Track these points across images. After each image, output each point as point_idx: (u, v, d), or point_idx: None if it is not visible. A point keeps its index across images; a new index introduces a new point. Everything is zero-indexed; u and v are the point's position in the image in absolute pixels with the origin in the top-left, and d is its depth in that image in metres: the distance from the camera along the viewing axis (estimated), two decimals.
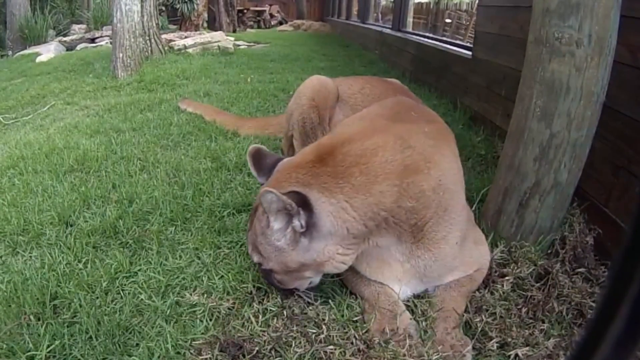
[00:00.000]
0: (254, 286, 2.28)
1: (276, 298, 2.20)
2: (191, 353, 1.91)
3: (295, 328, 2.01)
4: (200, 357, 1.88)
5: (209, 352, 1.89)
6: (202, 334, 2.00)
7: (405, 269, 2.13)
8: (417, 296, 2.24)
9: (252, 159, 2.28)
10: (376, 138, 2.06)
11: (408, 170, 2.00)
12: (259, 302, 2.20)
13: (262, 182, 2.23)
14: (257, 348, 1.90)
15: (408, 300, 2.21)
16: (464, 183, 2.36)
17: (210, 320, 2.09)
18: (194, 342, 1.96)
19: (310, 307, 2.14)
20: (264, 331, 2.00)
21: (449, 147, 2.29)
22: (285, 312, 2.11)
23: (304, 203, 1.88)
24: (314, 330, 1.98)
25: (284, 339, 1.94)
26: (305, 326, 2.02)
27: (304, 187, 1.92)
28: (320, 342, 1.92)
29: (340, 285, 2.32)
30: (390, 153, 2.01)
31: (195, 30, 14.44)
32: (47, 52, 11.91)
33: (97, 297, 2.25)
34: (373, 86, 3.25)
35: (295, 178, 1.96)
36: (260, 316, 2.11)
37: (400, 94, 3.09)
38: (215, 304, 2.19)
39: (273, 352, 1.91)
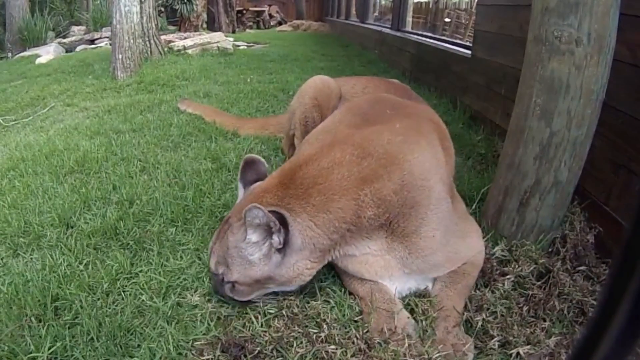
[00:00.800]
0: None
1: (277, 299, 2.20)
2: (193, 354, 1.91)
3: (296, 328, 2.01)
4: (202, 358, 1.88)
5: (211, 352, 1.90)
6: (204, 334, 2.01)
7: (386, 261, 2.17)
8: (417, 295, 2.24)
9: (243, 168, 2.38)
10: (333, 154, 2.14)
11: (366, 181, 2.07)
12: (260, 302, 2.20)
13: (239, 192, 2.38)
14: (258, 348, 1.91)
15: (408, 300, 2.21)
16: (445, 173, 2.37)
17: (212, 321, 2.09)
18: (195, 343, 1.96)
19: (311, 307, 2.14)
20: (265, 331, 2.00)
21: (425, 141, 2.34)
22: (286, 313, 2.11)
23: (282, 221, 1.98)
24: (315, 330, 1.99)
25: (285, 339, 1.94)
26: (306, 326, 2.03)
27: (276, 209, 2.00)
28: (322, 341, 1.93)
29: (341, 285, 2.33)
30: (347, 168, 2.09)
31: (195, 31, 14.43)
32: (47, 53, 11.90)
33: (98, 299, 2.25)
34: (375, 86, 3.26)
35: (266, 201, 2.05)
36: (261, 317, 2.11)
37: (401, 94, 3.10)
38: (216, 304, 2.19)
39: (274, 352, 1.91)
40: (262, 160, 2.39)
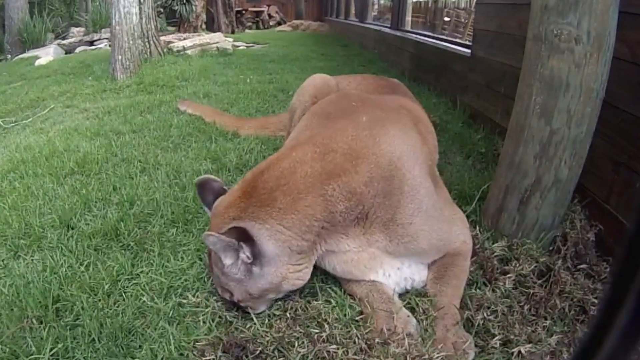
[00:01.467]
0: None
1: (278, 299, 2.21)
2: (194, 354, 1.91)
3: (297, 328, 2.01)
4: (204, 358, 1.88)
5: (212, 353, 1.89)
6: (205, 335, 2.00)
7: (370, 253, 2.18)
8: (417, 294, 2.24)
9: (199, 193, 2.38)
10: (294, 154, 2.14)
11: (331, 176, 2.06)
12: None
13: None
14: (260, 348, 1.91)
15: (408, 299, 2.21)
16: (422, 157, 2.38)
17: (213, 321, 2.09)
18: (197, 344, 1.96)
19: (312, 307, 2.14)
20: (266, 332, 2.00)
21: (395, 128, 2.34)
22: (287, 313, 2.11)
23: (245, 235, 1.98)
24: (317, 330, 1.98)
25: (286, 339, 1.94)
26: (307, 326, 2.03)
27: (238, 222, 2.00)
28: (323, 341, 1.92)
29: (341, 285, 2.32)
30: (309, 165, 2.08)
31: (194, 32, 14.44)
32: (46, 55, 11.91)
33: (99, 300, 2.25)
34: (368, 83, 3.30)
35: (228, 216, 2.05)
36: (263, 317, 2.11)
37: (387, 89, 3.12)
38: (218, 305, 2.19)
39: (276, 352, 1.91)
40: (213, 177, 2.38)
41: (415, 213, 2.13)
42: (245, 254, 2.00)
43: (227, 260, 2.02)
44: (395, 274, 2.22)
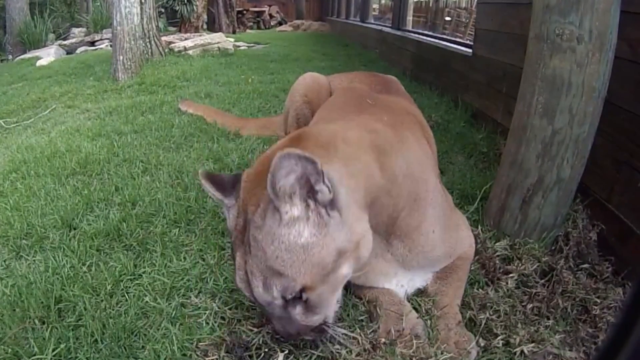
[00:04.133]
0: None
1: None
2: (197, 355, 1.90)
3: None
4: (207, 359, 1.88)
5: (215, 353, 1.89)
6: (208, 335, 2.00)
7: (387, 259, 2.09)
8: (419, 294, 2.23)
9: (209, 180, 1.84)
10: (340, 123, 2.00)
11: (379, 150, 1.87)
12: None
13: (228, 203, 1.81)
14: (263, 348, 1.90)
15: (411, 300, 2.20)
16: (433, 169, 2.32)
17: (216, 321, 2.09)
18: (200, 344, 1.95)
19: None
20: (269, 332, 1.99)
21: (410, 134, 2.24)
22: None
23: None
24: None
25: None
26: None
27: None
28: (326, 341, 1.92)
29: (345, 286, 2.31)
30: (358, 132, 1.90)
31: (195, 32, 14.44)
32: (47, 56, 11.92)
33: (102, 300, 2.25)
34: (360, 80, 3.27)
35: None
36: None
37: (380, 86, 3.11)
38: (221, 305, 2.18)
39: (279, 352, 1.91)
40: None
41: (436, 222, 2.10)
42: (327, 186, 1.55)
43: (296, 211, 1.57)
44: (408, 284, 2.19)
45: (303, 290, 1.60)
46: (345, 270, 1.69)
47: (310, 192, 1.57)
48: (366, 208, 1.77)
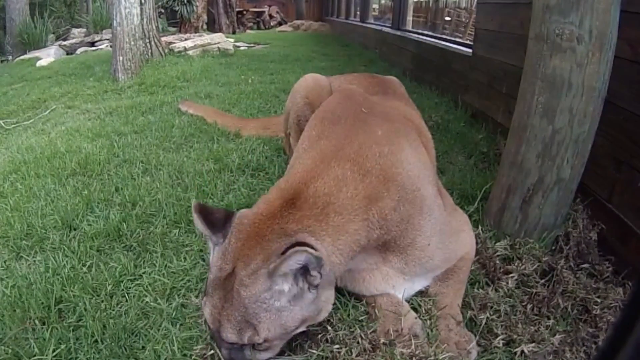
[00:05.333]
0: None
1: None
2: (197, 355, 1.90)
3: None
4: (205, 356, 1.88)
5: (215, 354, 1.89)
6: (209, 335, 2.00)
7: (384, 273, 2.09)
8: (419, 294, 2.23)
9: (200, 215, 1.83)
10: (334, 170, 1.94)
11: (371, 200, 1.92)
12: None
13: (216, 241, 1.83)
14: None
15: (411, 300, 2.20)
16: (430, 178, 2.27)
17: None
18: (200, 344, 1.95)
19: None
20: None
21: (407, 143, 2.23)
22: None
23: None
24: (320, 330, 1.98)
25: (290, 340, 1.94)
26: (311, 326, 2.02)
27: (299, 237, 1.71)
28: (326, 341, 1.92)
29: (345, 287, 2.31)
30: (353, 186, 1.91)
31: (195, 32, 14.42)
32: (47, 56, 11.94)
33: (102, 301, 2.25)
34: (359, 82, 3.26)
35: (279, 229, 1.74)
36: None
37: (386, 88, 3.10)
38: None
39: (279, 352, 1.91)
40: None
41: (432, 234, 2.09)
42: (320, 272, 1.69)
43: (286, 285, 1.71)
44: (407, 291, 2.18)
45: (265, 339, 1.72)
46: (301, 329, 1.84)
47: (303, 275, 1.72)
48: (347, 264, 1.90)
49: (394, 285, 2.12)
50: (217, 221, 1.84)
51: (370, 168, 1.98)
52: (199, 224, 1.84)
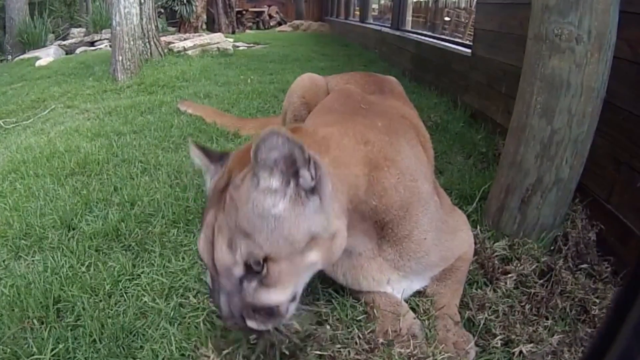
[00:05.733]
0: None
1: None
2: (196, 354, 1.90)
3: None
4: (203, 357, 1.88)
5: (214, 354, 1.89)
6: (206, 336, 1.99)
7: (379, 263, 2.06)
8: (417, 294, 2.23)
9: (198, 148, 1.86)
10: (335, 128, 1.93)
11: (372, 165, 1.88)
12: None
13: (213, 171, 1.82)
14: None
15: (409, 301, 2.20)
16: (427, 176, 2.25)
17: (213, 324, 2.06)
18: (198, 344, 1.95)
19: (314, 308, 2.12)
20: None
21: (405, 141, 2.20)
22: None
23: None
24: (318, 330, 1.97)
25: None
26: (309, 325, 2.02)
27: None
28: (324, 341, 1.92)
29: (343, 287, 2.31)
30: (353, 143, 1.89)
31: (195, 32, 14.43)
32: (47, 56, 11.92)
33: (101, 300, 2.25)
34: (356, 81, 3.26)
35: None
36: None
37: (383, 87, 3.09)
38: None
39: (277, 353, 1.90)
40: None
41: (429, 229, 2.07)
42: (310, 172, 1.57)
43: (274, 182, 1.55)
44: (405, 291, 2.16)
45: (266, 260, 1.57)
46: (314, 258, 1.65)
47: (293, 174, 1.57)
48: (346, 212, 1.78)
49: (389, 278, 2.10)
50: (214, 155, 1.84)
51: (373, 141, 1.96)
52: (196, 155, 1.84)
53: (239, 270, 1.58)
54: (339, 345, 1.88)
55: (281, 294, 1.63)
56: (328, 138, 1.82)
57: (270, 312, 1.63)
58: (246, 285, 1.59)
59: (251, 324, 1.61)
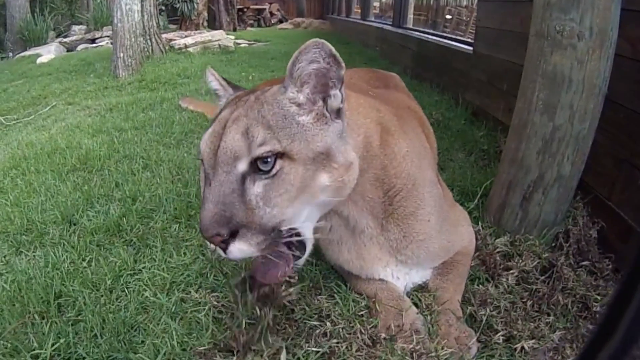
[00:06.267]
0: None
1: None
2: (197, 350, 1.90)
3: (300, 323, 2.00)
4: (206, 355, 1.87)
5: (214, 349, 1.89)
6: (207, 331, 1.99)
7: (380, 243, 2.05)
8: (419, 289, 2.23)
9: (215, 72, 1.94)
10: (352, 94, 1.92)
11: (383, 127, 1.92)
12: None
13: (231, 94, 1.87)
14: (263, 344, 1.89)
15: (412, 295, 2.20)
16: (431, 164, 2.30)
17: (216, 318, 2.07)
18: (200, 340, 1.95)
19: (315, 303, 2.12)
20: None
21: (410, 127, 2.24)
22: (289, 308, 2.09)
23: None
24: (319, 325, 1.97)
25: (289, 335, 1.93)
26: (310, 317, 2.02)
27: None
28: (326, 336, 1.92)
29: (345, 280, 2.31)
30: (368, 107, 1.94)
31: (196, 30, 14.43)
32: (48, 53, 11.93)
33: (102, 295, 2.26)
34: (360, 76, 3.26)
35: None
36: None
37: (386, 83, 3.09)
38: (220, 301, 2.17)
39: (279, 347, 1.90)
40: None
41: (432, 211, 2.09)
42: (342, 92, 1.63)
43: (300, 96, 1.60)
44: (404, 277, 2.18)
45: (280, 156, 1.52)
46: (325, 179, 1.61)
47: (323, 93, 1.60)
48: (362, 156, 1.78)
49: (388, 262, 2.11)
50: (231, 83, 1.91)
51: (384, 113, 2.00)
52: (214, 78, 1.90)
53: (243, 165, 1.52)
54: (335, 340, 1.88)
55: (285, 208, 1.55)
56: (347, 95, 1.76)
57: (264, 229, 1.53)
58: (248, 185, 1.52)
59: (240, 245, 1.50)
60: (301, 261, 1.68)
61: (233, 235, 1.48)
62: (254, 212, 1.50)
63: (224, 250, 1.51)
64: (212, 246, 1.52)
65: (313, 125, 1.59)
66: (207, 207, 1.48)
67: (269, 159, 1.51)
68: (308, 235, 1.68)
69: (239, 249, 1.50)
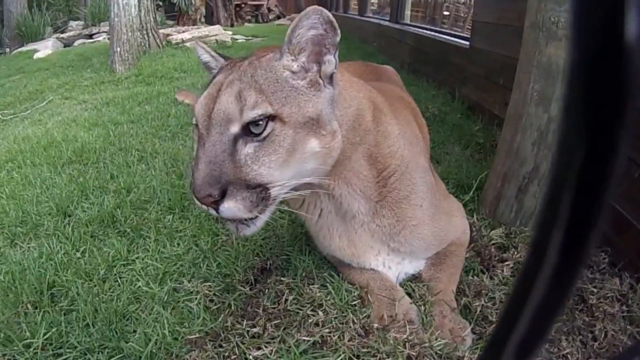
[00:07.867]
0: (253, 273, 2.27)
1: (275, 281, 2.19)
2: (188, 338, 1.89)
3: (293, 313, 1.99)
4: (198, 343, 1.87)
5: (206, 337, 1.88)
6: (199, 319, 1.99)
7: (372, 230, 2.03)
8: (413, 279, 2.22)
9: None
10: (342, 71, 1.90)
11: (376, 106, 1.92)
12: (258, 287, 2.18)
13: (223, 64, 1.85)
14: (256, 329, 1.89)
15: (405, 286, 2.19)
16: (423, 153, 2.30)
17: (207, 307, 2.07)
18: (190, 328, 1.94)
19: (308, 292, 2.12)
20: (261, 316, 1.98)
21: (402, 116, 2.24)
22: (283, 298, 2.08)
23: None
24: (312, 314, 1.97)
25: (282, 324, 1.93)
26: (303, 306, 2.01)
27: None
28: (318, 325, 1.91)
29: (337, 270, 2.31)
30: (361, 84, 1.95)
31: (193, 25, 14.43)
32: (45, 48, 11.94)
33: (95, 285, 2.25)
34: (354, 69, 3.26)
35: None
36: (259, 300, 2.09)
37: (380, 75, 3.09)
38: (212, 290, 2.17)
39: (270, 335, 1.90)
40: None
41: (425, 197, 2.07)
42: (335, 58, 1.65)
43: (293, 65, 1.63)
44: (396, 267, 2.16)
45: (272, 118, 1.55)
46: (314, 145, 1.63)
47: (318, 59, 1.63)
48: (351, 130, 1.79)
49: (379, 249, 2.10)
50: (222, 55, 1.92)
51: (376, 94, 2.01)
52: (204, 51, 1.92)
53: (236, 127, 1.55)
54: (327, 329, 1.88)
55: (275, 170, 1.58)
56: (342, 69, 1.82)
57: (256, 189, 1.56)
58: (240, 147, 1.55)
59: (229, 203, 1.52)
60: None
61: (223, 195, 1.51)
62: (241, 170, 1.53)
63: (216, 210, 1.53)
64: (204, 207, 1.54)
65: (306, 90, 1.62)
66: (200, 167, 1.52)
67: (260, 122, 1.54)
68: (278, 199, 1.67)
69: (227, 207, 1.52)
